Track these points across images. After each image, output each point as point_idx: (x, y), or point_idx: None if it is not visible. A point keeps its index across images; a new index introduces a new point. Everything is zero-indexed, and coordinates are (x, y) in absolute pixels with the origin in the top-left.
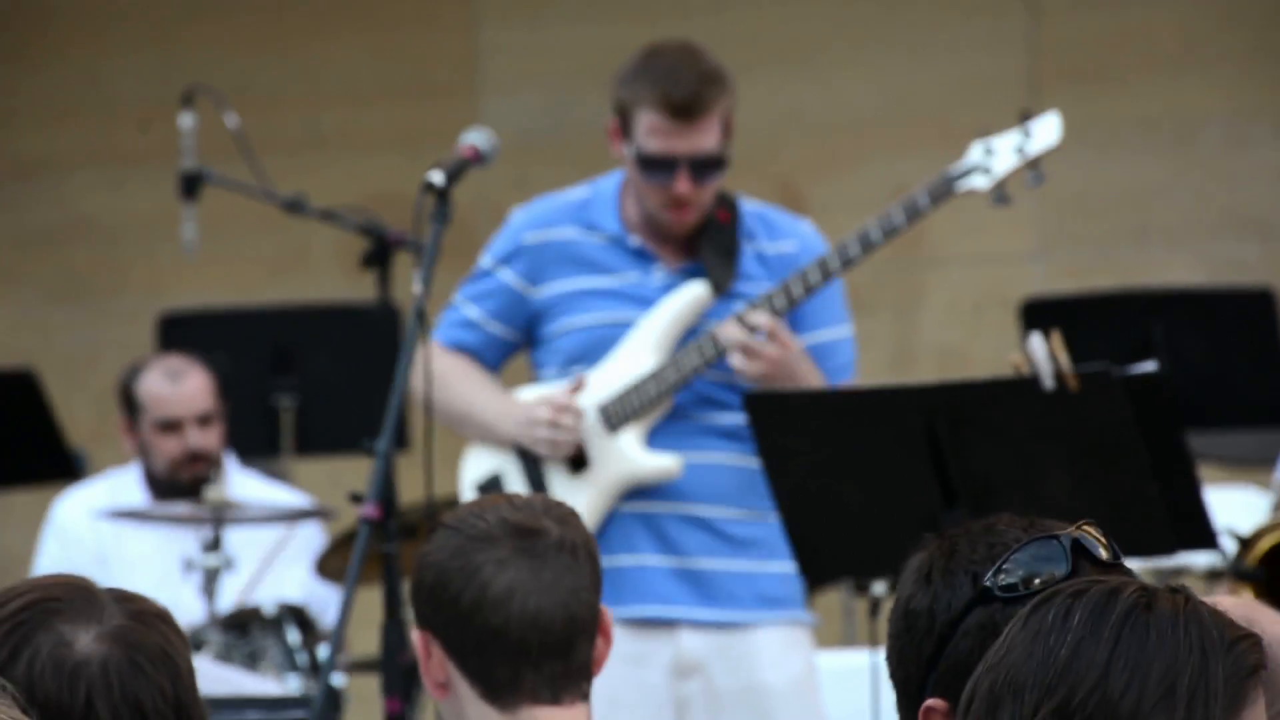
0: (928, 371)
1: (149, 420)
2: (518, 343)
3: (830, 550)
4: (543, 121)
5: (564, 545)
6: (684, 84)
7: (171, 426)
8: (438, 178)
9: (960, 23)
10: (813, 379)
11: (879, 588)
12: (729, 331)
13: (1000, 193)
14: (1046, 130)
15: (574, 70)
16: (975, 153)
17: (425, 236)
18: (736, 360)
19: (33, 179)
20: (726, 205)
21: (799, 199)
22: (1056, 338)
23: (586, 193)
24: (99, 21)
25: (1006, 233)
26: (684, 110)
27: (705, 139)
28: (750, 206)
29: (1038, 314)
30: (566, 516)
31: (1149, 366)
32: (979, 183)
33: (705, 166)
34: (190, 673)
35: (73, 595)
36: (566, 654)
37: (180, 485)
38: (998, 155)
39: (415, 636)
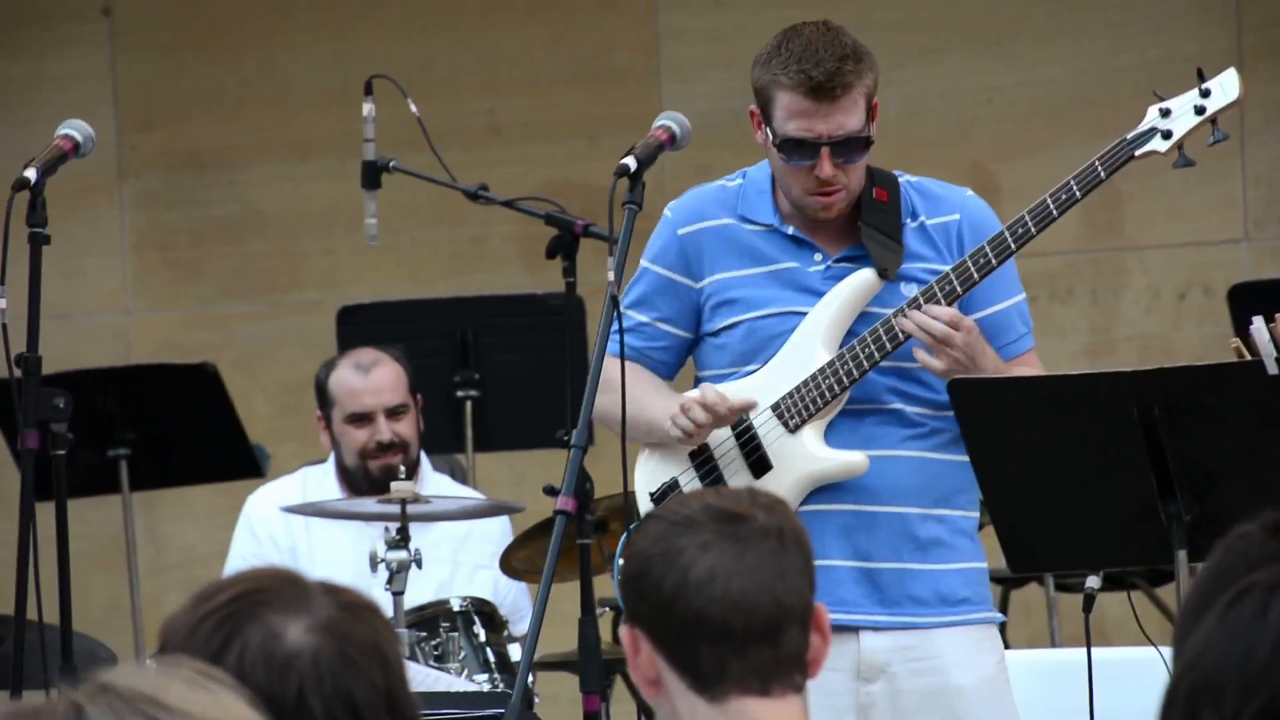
0: (1127, 361)
1: (340, 413)
2: (689, 340)
3: (1039, 542)
4: (724, 106)
5: (770, 531)
6: (823, 63)
7: (361, 418)
8: (631, 163)
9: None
10: (992, 363)
11: (1093, 581)
12: (911, 324)
13: (1183, 156)
14: (1226, 86)
15: (755, 54)
16: (1151, 116)
17: (613, 224)
18: (922, 354)
19: (209, 172)
20: (885, 183)
21: (991, 182)
22: None
23: (738, 182)
24: (275, 12)
25: (1210, 216)
26: (823, 89)
27: (848, 119)
28: (908, 180)
29: (1247, 299)
30: (774, 505)
31: None
32: (1158, 145)
33: (848, 147)
34: (400, 665)
35: (281, 586)
36: (774, 641)
37: (371, 478)
38: (1176, 116)
39: (624, 633)
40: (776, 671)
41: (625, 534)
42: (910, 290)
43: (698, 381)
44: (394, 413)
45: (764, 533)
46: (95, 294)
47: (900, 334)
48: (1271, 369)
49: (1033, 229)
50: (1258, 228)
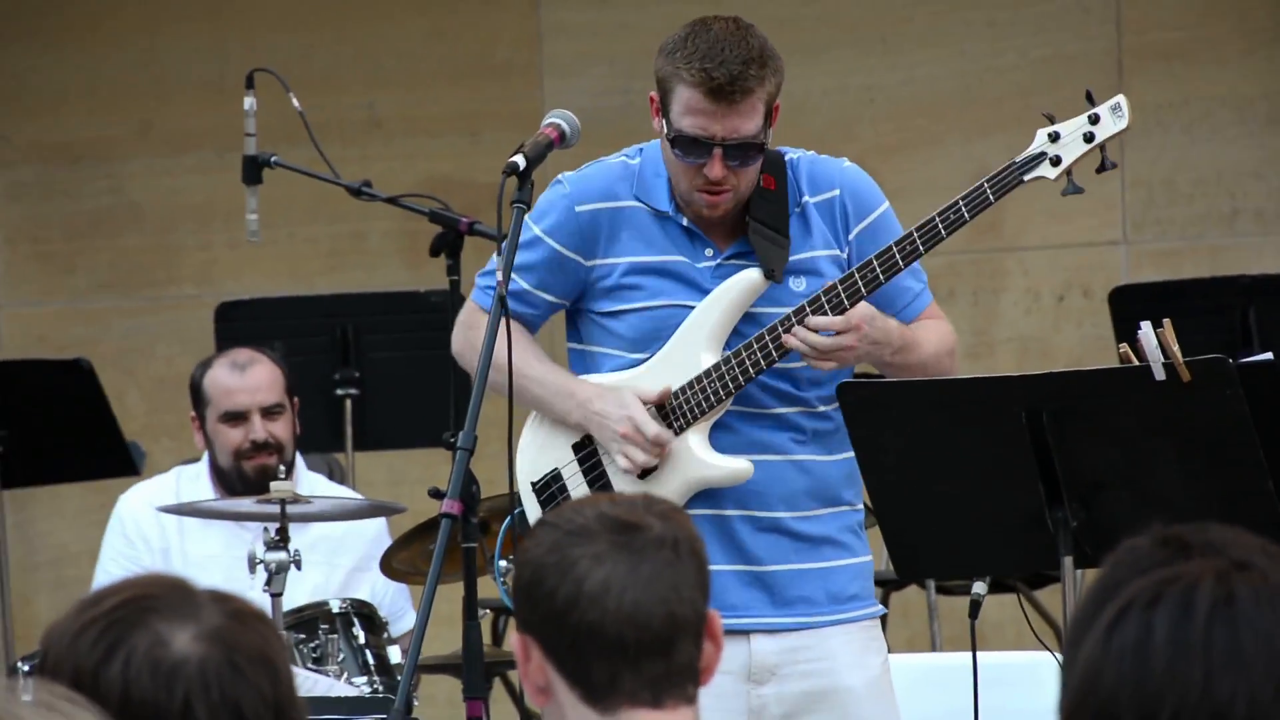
0: (1007, 363)
1: (214, 412)
2: (563, 305)
3: (927, 548)
4: (607, 103)
5: (665, 541)
6: (727, 64)
7: (236, 417)
8: (520, 161)
9: None
10: (896, 341)
11: (979, 587)
12: (795, 341)
13: (1071, 183)
14: (1115, 114)
15: (638, 50)
16: (1040, 140)
17: (499, 221)
18: (812, 365)
19: (84, 164)
20: (773, 168)
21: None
22: (1168, 327)
23: (637, 160)
24: (151, 3)
25: (1088, 219)
26: (723, 91)
27: (744, 123)
28: (792, 159)
29: (1127, 302)
30: (669, 513)
31: (1265, 356)
32: (1047, 171)
33: (742, 151)
34: (289, 674)
35: (169, 594)
36: (667, 653)
37: (245, 478)
38: (1065, 142)
39: (514, 640)
40: (668, 683)
41: (501, 533)
42: (800, 284)
43: (574, 355)
44: (269, 412)
45: (659, 543)
46: None
47: (775, 349)
48: (1159, 374)
49: (920, 247)
50: (1135, 230)
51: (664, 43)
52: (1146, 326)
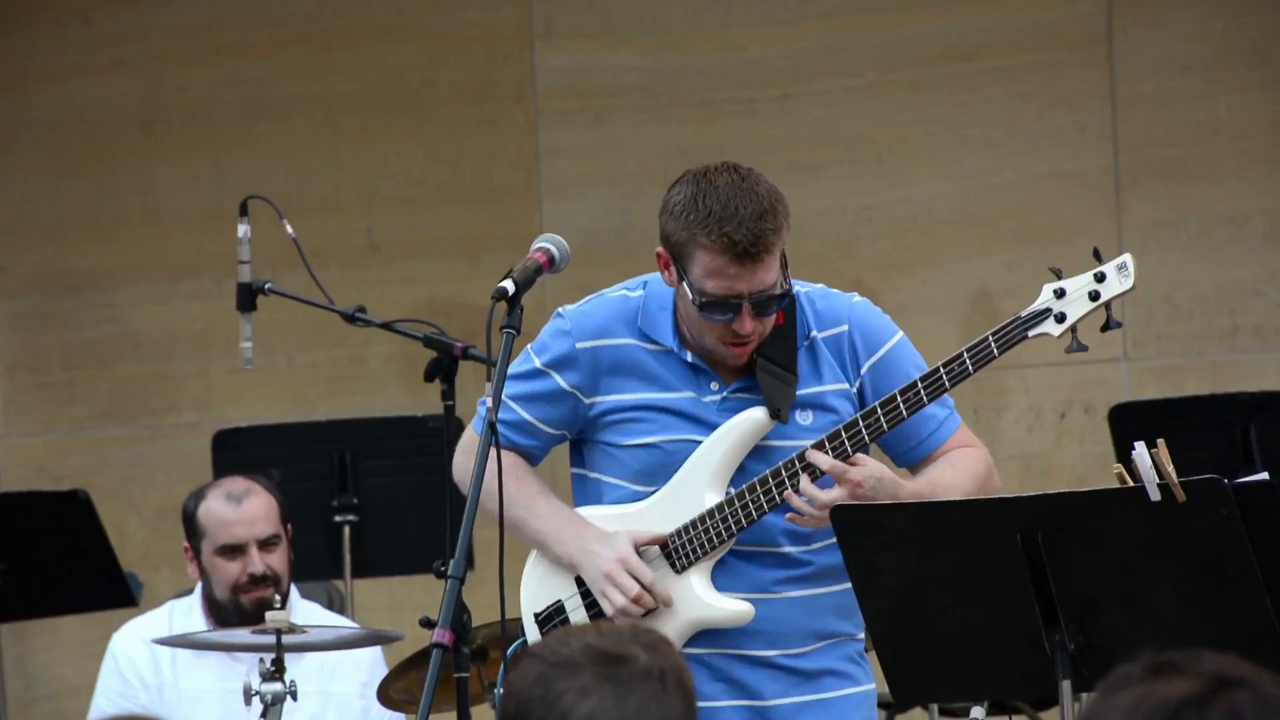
0: (1009, 480)
1: (210, 545)
2: (565, 438)
3: (924, 671)
4: (605, 225)
5: (651, 673)
6: (744, 223)
7: (233, 550)
8: (509, 286)
9: (1039, 117)
10: (907, 493)
11: (977, 711)
12: (796, 501)
13: (1075, 341)
14: (1121, 273)
15: (636, 171)
16: (1046, 295)
17: (492, 347)
18: (809, 526)
19: (83, 293)
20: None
21: (872, 299)
22: (1162, 448)
23: (639, 294)
24: (150, 132)
25: (1090, 336)
26: (748, 253)
27: (768, 274)
28: (801, 292)
29: (1128, 419)
30: (656, 644)
31: (1260, 476)
32: (1051, 328)
33: (769, 302)
34: None
35: None
36: None
37: (243, 611)
38: (1070, 299)
39: None
40: None
41: (503, 663)
42: (807, 418)
43: (577, 480)
44: (266, 544)
45: (645, 674)
46: None
47: (790, 486)
48: (1154, 495)
49: (924, 397)
50: (1136, 347)
51: (668, 202)
52: (1141, 447)
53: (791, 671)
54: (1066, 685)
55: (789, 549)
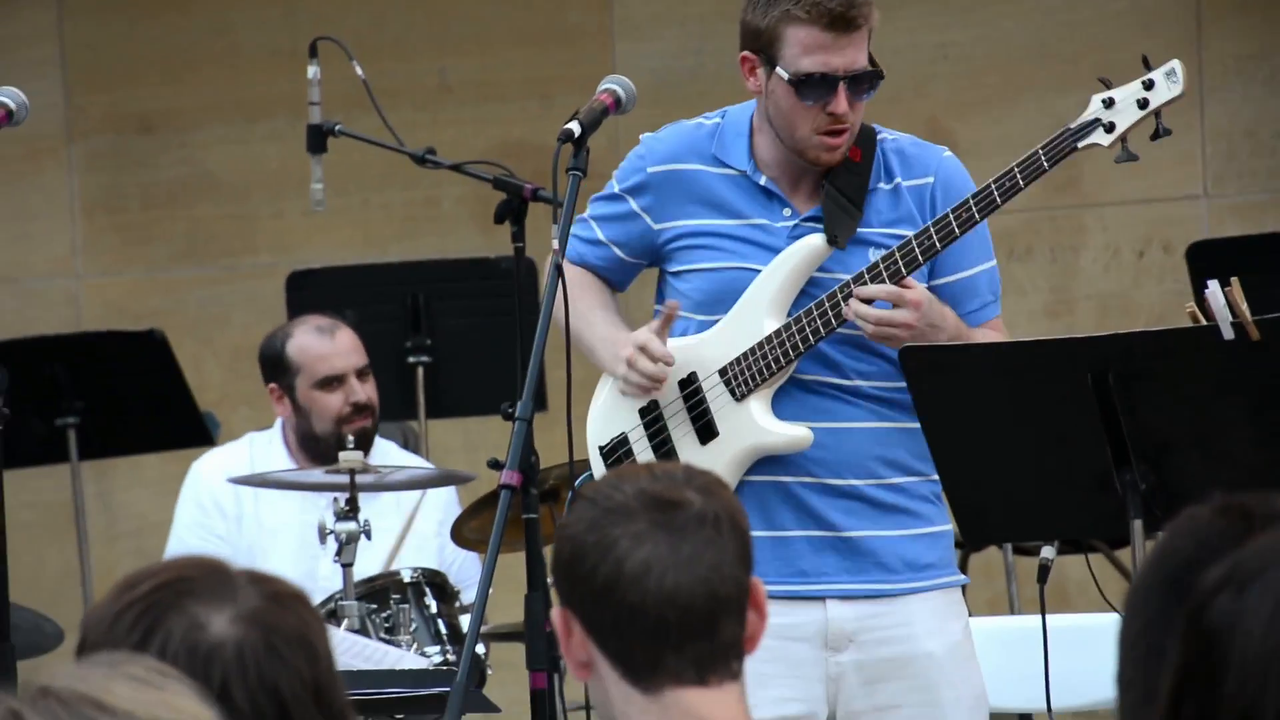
0: (1087, 320)
1: (308, 379)
2: (638, 267)
3: (993, 512)
4: (679, 64)
5: (705, 518)
6: None
7: (333, 381)
8: (575, 128)
9: None
10: (951, 331)
11: (1048, 551)
12: (849, 313)
13: (1125, 150)
14: (1170, 80)
15: (710, 12)
16: (1095, 106)
17: (561, 189)
18: (870, 334)
19: (158, 134)
20: (862, 140)
21: (948, 138)
22: (1236, 286)
23: (715, 121)
24: None
25: (1168, 173)
26: (842, 20)
27: (860, 54)
28: (888, 139)
29: (1205, 258)
30: (711, 486)
31: None
32: (1100, 138)
33: (863, 80)
34: (329, 656)
35: (206, 576)
36: (710, 633)
37: (343, 443)
38: (1119, 109)
39: (555, 614)
40: (713, 661)
41: (568, 502)
42: (875, 255)
43: (656, 315)
44: (362, 374)
45: (699, 520)
46: (45, 258)
47: (834, 315)
48: (1227, 334)
49: (976, 214)
50: (1216, 184)
51: (750, 1)
52: (1214, 285)
53: (864, 501)
54: (1138, 525)
55: (857, 381)
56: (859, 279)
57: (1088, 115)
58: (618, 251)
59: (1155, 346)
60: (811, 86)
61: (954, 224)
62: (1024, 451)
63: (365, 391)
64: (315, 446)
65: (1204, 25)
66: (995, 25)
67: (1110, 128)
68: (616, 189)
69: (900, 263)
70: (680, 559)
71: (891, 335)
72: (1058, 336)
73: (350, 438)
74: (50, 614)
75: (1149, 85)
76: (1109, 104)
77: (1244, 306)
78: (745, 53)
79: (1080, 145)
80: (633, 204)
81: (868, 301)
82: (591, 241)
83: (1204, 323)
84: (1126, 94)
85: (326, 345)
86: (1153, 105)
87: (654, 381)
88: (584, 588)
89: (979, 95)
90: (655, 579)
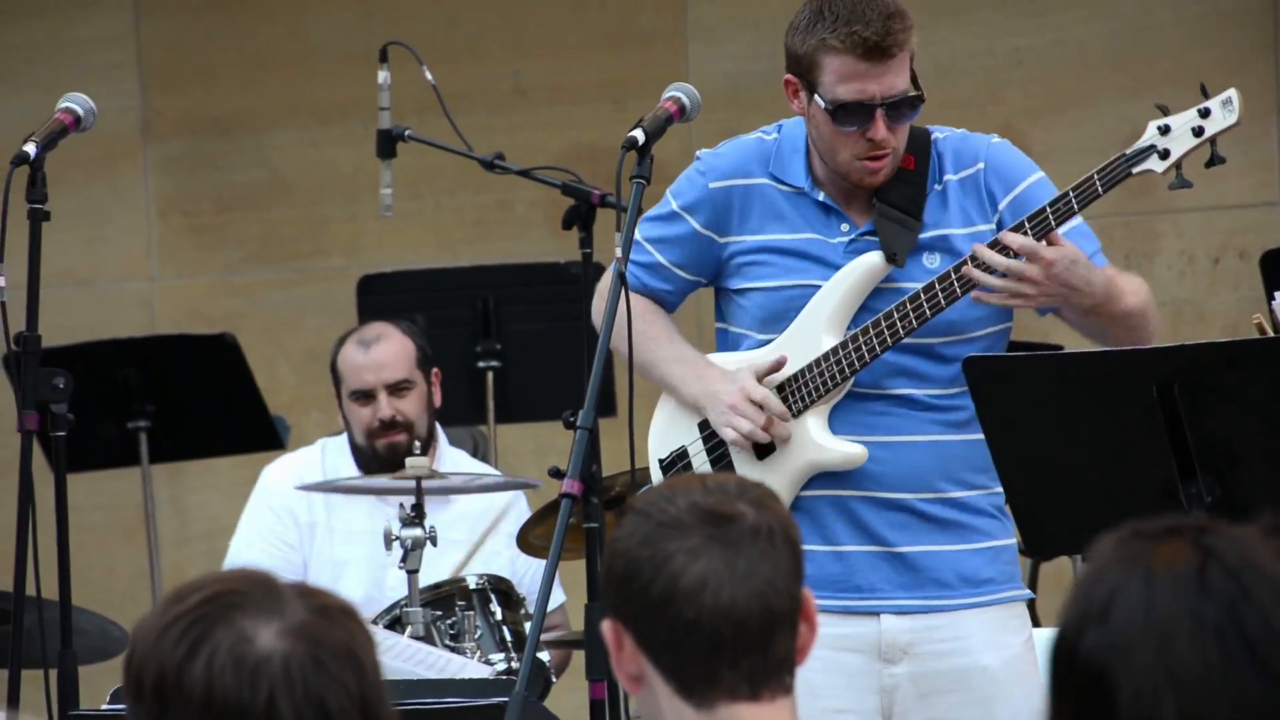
0: (1162, 327)
1: (345, 390)
2: (701, 283)
3: (1056, 523)
4: (752, 68)
5: (760, 531)
6: (872, 22)
7: (364, 396)
8: (639, 136)
9: None
10: (1100, 293)
11: None
12: (975, 272)
13: (1179, 177)
14: (1226, 109)
15: (784, 15)
16: (1150, 132)
17: (617, 196)
18: (1008, 303)
19: (233, 136)
20: (915, 146)
21: (1022, 143)
22: None
23: (774, 136)
24: None
25: (1244, 179)
26: (878, 49)
27: (898, 79)
28: (940, 138)
29: (1279, 265)
30: (763, 499)
31: None
32: (1155, 165)
33: (901, 107)
34: (376, 670)
35: (254, 589)
36: (765, 648)
37: (379, 456)
38: (1174, 135)
39: (606, 627)
40: (766, 676)
41: None
42: (934, 261)
43: (720, 334)
44: (396, 389)
45: (754, 533)
46: (120, 261)
47: (902, 326)
48: None
49: (1029, 233)
50: None
51: (793, 24)
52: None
53: (919, 516)
54: None
55: (914, 391)
56: (929, 289)
57: (1143, 142)
58: (679, 272)
59: (1221, 358)
60: (849, 114)
61: (1028, 228)
62: (1088, 462)
63: (395, 407)
64: (360, 456)
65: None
66: (1070, 30)
67: (1165, 154)
68: (674, 206)
69: (957, 285)
70: (736, 574)
71: (1017, 290)
72: (1123, 347)
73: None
74: (121, 617)
75: (1205, 113)
76: (1164, 130)
77: None
78: (788, 76)
79: (1135, 171)
80: (693, 222)
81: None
82: (649, 266)
83: (1271, 333)
84: (1182, 121)
85: (360, 359)
86: (1208, 133)
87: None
88: (638, 602)
89: (1053, 100)
90: (711, 594)
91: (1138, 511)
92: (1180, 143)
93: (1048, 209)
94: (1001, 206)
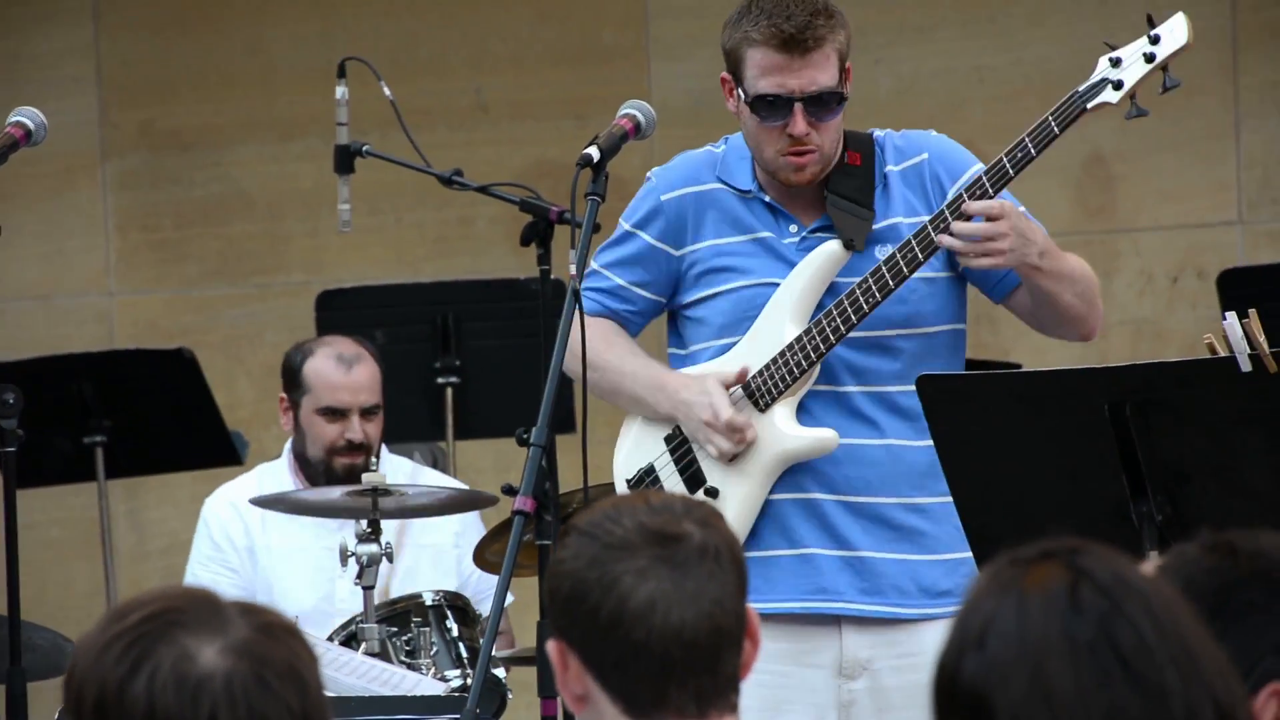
0: (1120, 345)
1: (312, 403)
2: (662, 305)
3: (1009, 541)
4: (714, 84)
5: (706, 551)
6: (794, 17)
7: (336, 414)
8: (594, 153)
9: None
10: (1042, 241)
11: None
12: (948, 240)
13: (1135, 106)
14: (1175, 31)
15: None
16: (1102, 66)
17: (571, 214)
18: (974, 261)
19: (193, 152)
20: (858, 145)
21: (984, 161)
22: (1254, 317)
23: (721, 148)
24: None
25: (1203, 199)
26: (795, 41)
27: (820, 74)
28: (882, 136)
29: (1236, 285)
30: (708, 518)
31: None
32: (1109, 96)
33: (822, 103)
34: (319, 688)
35: (196, 606)
36: (713, 668)
37: (332, 474)
38: (1126, 65)
39: (551, 647)
40: (714, 695)
41: None
42: (885, 252)
43: (672, 359)
44: (368, 413)
45: (701, 553)
46: (78, 275)
47: (866, 301)
48: (1244, 366)
49: (990, 189)
50: (1251, 210)
51: (727, 18)
52: (1231, 317)
53: (883, 524)
54: (1154, 556)
55: (880, 388)
56: (938, 220)
57: (1095, 76)
58: (639, 291)
59: (1172, 377)
60: (768, 108)
61: (967, 201)
62: (1040, 481)
63: (365, 431)
64: (307, 467)
65: (1240, 52)
66: (1031, 49)
67: (1119, 85)
68: (626, 227)
69: (917, 249)
70: (685, 594)
71: (993, 249)
72: (1076, 366)
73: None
74: (76, 632)
75: (1155, 40)
76: (1115, 63)
77: (1262, 338)
78: (723, 74)
79: (1090, 106)
80: (646, 237)
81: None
82: (608, 290)
83: (1221, 353)
84: (1133, 50)
85: (340, 377)
86: (1160, 58)
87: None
88: (585, 624)
89: (1015, 119)
90: (661, 615)
91: (1090, 529)
92: (1133, 71)
93: (1004, 158)
94: (950, 193)
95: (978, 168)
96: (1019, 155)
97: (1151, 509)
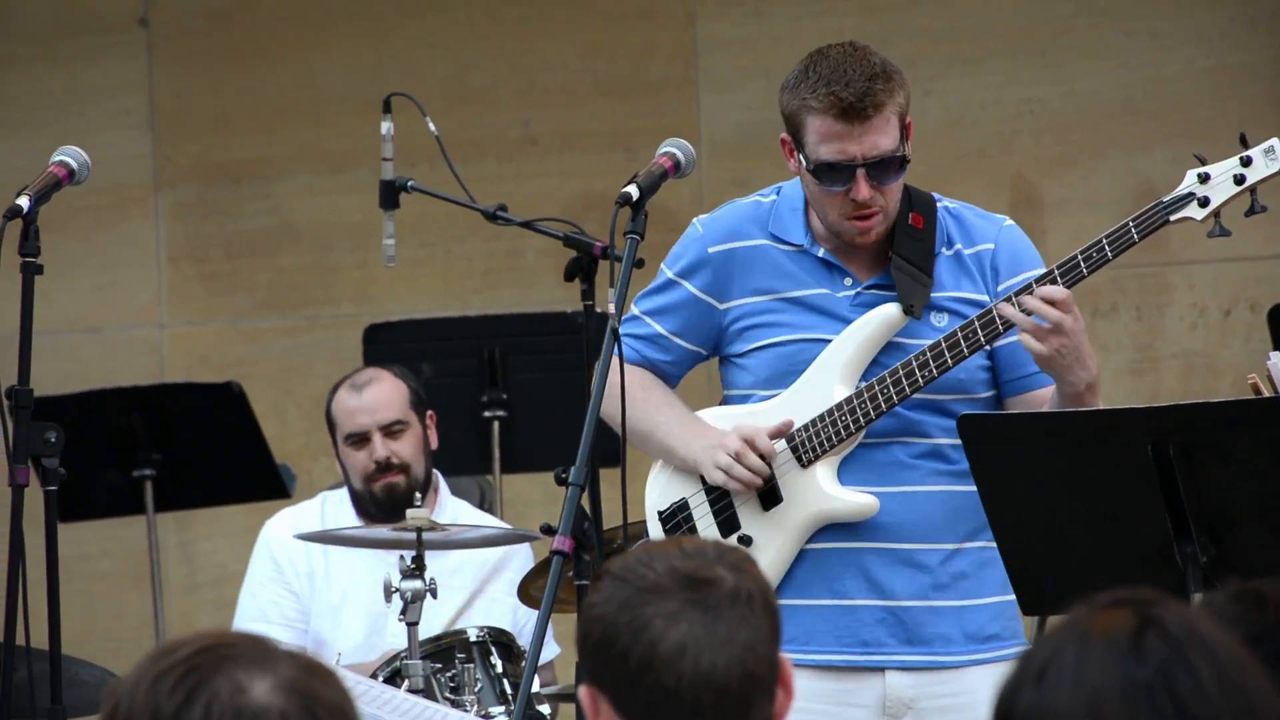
0: (1172, 378)
1: (340, 436)
2: (703, 355)
3: (1052, 582)
4: (763, 117)
5: (739, 596)
6: (852, 83)
7: (358, 439)
8: (633, 192)
9: (1207, 8)
10: (1094, 372)
11: None
12: (1010, 311)
13: (1218, 225)
14: (1268, 157)
15: (794, 63)
16: (1189, 180)
17: (611, 252)
18: (1026, 338)
19: (244, 184)
20: (922, 208)
21: (1033, 194)
22: None
23: (771, 199)
24: (310, 23)
25: (1256, 232)
26: (855, 110)
27: (881, 138)
28: (946, 206)
29: None
30: (741, 563)
31: None
32: (1194, 212)
33: (884, 167)
34: None
35: (245, 644)
36: (744, 713)
37: (376, 500)
38: (1214, 184)
39: (583, 693)
40: None
41: None
42: (942, 320)
43: (725, 401)
44: (390, 430)
45: (733, 598)
46: (130, 307)
47: (921, 375)
48: None
49: (1060, 282)
50: None
51: (784, 81)
52: (1275, 356)
53: (926, 572)
54: (1198, 598)
55: (924, 441)
56: (1025, 290)
57: (1182, 189)
58: (679, 341)
59: (1216, 418)
60: (831, 174)
61: (1036, 287)
62: (1083, 522)
63: (390, 448)
64: (359, 503)
65: None
66: (1081, 81)
67: (1204, 202)
68: (670, 274)
69: (980, 331)
70: (715, 639)
71: (1047, 336)
72: (1119, 407)
73: (380, 493)
74: (126, 665)
75: (1246, 162)
76: (1204, 179)
77: None
78: (783, 135)
79: (1173, 219)
80: (690, 287)
81: (999, 331)
82: (648, 338)
83: (1265, 393)
84: (1223, 170)
85: (353, 402)
86: (1249, 181)
87: (756, 477)
88: (616, 668)
89: (1064, 152)
90: (691, 660)
91: (1133, 571)
92: (1221, 190)
93: (1079, 256)
94: (1001, 288)
95: (1040, 271)
96: (1095, 256)
97: (1196, 550)
